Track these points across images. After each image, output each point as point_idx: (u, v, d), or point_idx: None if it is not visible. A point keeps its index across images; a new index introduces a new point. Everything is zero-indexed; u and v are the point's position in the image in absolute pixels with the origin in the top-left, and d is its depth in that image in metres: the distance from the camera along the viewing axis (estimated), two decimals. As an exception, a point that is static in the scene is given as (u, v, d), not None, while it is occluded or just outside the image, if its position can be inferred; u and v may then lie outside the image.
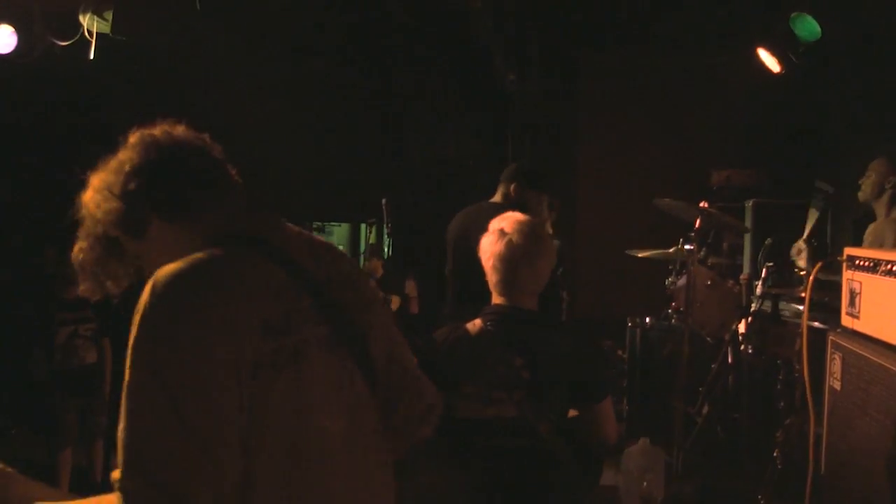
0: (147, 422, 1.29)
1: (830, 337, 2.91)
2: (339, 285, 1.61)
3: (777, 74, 5.81)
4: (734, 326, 4.75)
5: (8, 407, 5.80)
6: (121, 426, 1.29)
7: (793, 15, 5.21)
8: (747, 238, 6.53)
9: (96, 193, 1.58)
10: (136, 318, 1.34)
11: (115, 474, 1.30)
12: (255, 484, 1.35)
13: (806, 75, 6.23)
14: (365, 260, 6.66)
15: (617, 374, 5.59)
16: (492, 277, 2.66)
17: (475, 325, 2.63)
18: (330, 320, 1.53)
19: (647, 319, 5.47)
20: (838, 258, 2.96)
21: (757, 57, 5.86)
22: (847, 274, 2.90)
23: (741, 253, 6.64)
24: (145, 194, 1.54)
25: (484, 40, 6.59)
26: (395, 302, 7.02)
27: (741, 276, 5.04)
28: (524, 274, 2.62)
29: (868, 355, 2.59)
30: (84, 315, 4.97)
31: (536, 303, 2.70)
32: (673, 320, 5.14)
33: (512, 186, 4.28)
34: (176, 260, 1.44)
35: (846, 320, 2.89)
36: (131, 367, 1.31)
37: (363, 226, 8.84)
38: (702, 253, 4.99)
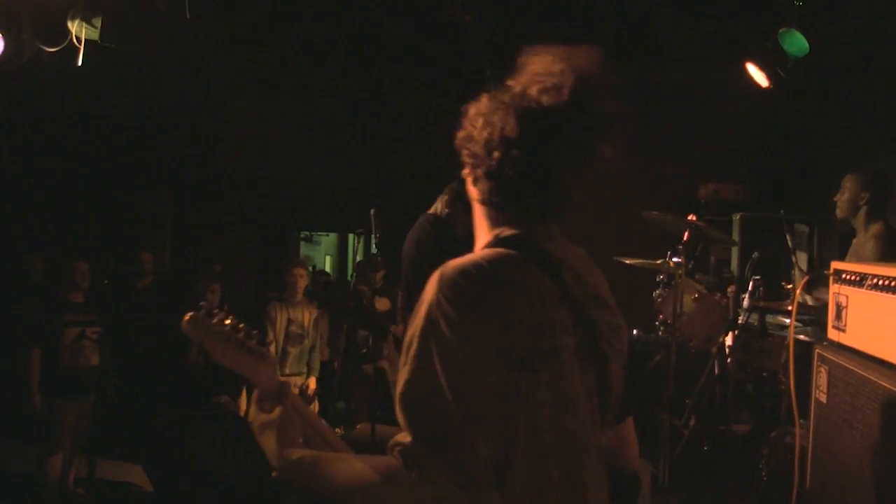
0: (429, 400, 1.44)
1: (817, 350, 2.92)
2: (594, 306, 1.67)
3: (765, 89, 5.85)
4: (721, 339, 4.76)
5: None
6: (404, 397, 1.46)
7: (781, 30, 5.25)
8: (735, 251, 6.57)
9: (473, 125, 1.67)
10: (422, 310, 1.48)
11: (399, 437, 1.49)
12: (513, 467, 1.47)
13: (794, 90, 6.28)
14: (362, 270, 6.63)
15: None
16: None
17: None
18: (580, 334, 1.60)
19: (635, 332, 5.48)
20: (825, 272, 2.98)
21: (745, 72, 5.91)
22: (834, 288, 2.92)
23: (728, 266, 6.67)
24: (483, 158, 1.62)
25: (474, 53, 6.61)
26: (385, 304, 6.99)
27: (728, 290, 5.05)
28: None
29: (854, 368, 2.60)
30: (91, 318, 5.17)
31: None
32: (660, 333, 5.14)
33: (444, 199, 4.44)
34: (479, 237, 1.68)
35: (833, 333, 2.91)
36: (416, 355, 1.46)
37: (351, 236, 8.82)
38: (689, 266, 4.99)
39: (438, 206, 4.46)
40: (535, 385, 1.48)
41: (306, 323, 5.85)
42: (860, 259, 4.38)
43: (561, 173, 1.63)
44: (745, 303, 4.67)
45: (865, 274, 2.68)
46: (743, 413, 4.96)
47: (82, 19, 4.78)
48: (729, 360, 4.67)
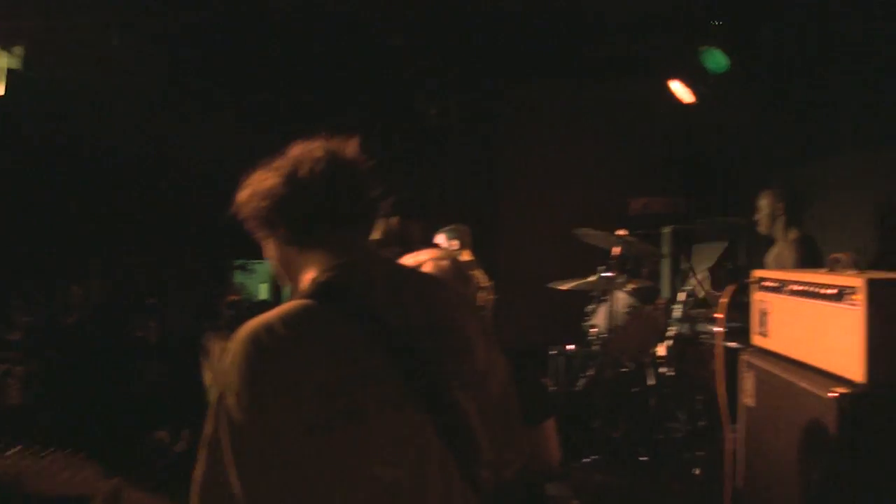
0: (214, 471, 1.42)
1: (742, 356, 3.05)
2: (426, 333, 1.62)
3: (689, 105, 6.06)
4: (654, 350, 4.88)
5: None
6: (195, 473, 1.44)
7: (702, 48, 5.46)
8: (665, 263, 6.73)
9: (250, 190, 1.71)
10: (221, 374, 1.47)
11: None
12: None
13: (717, 106, 6.50)
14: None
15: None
16: None
17: None
18: (403, 374, 1.54)
19: (570, 346, 5.58)
20: (747, 280, 3.12)
21: (669, 88, 6.12)
22: (756, 295, 3.06)
23: (660, 278, 6.83)
24: (280, 199, 1.64)
25: (405, 76, 6.69)
26: None
27: (659, 301, 5.20)
28: None
29: (777, 372, 2.73)
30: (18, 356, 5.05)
31: None
32: (594, 346, 5.25)
33: (394, 220, 4.40)
34: (296, 281, 1.67)
35: (757, 339, 3.04)
36: (211, 420, 1.44)
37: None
38: (621, 279, 5.12)
39: (378, 233, 4.41)
40: (336, 446, 1.45)
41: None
42: (782, 265, 4.61)
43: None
44: (677, 313, 4.82)
45: (785, 280, 2.81)
46: (677, 421, 5.09)
47: (3, 48, 4.72)
48: (662, 369, 4.79)
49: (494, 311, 2.87)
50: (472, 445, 1.63)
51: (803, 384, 2.50)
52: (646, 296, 5.44)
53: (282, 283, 1.79)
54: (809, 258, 4.54)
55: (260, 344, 1.46)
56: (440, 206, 7.90)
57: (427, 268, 2.58)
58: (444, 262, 2.58)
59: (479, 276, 2.79)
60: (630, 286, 5.28)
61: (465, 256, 3.45)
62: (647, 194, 7.46)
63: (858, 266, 2.61)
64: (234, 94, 6.99)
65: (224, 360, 1.47)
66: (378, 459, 1.48)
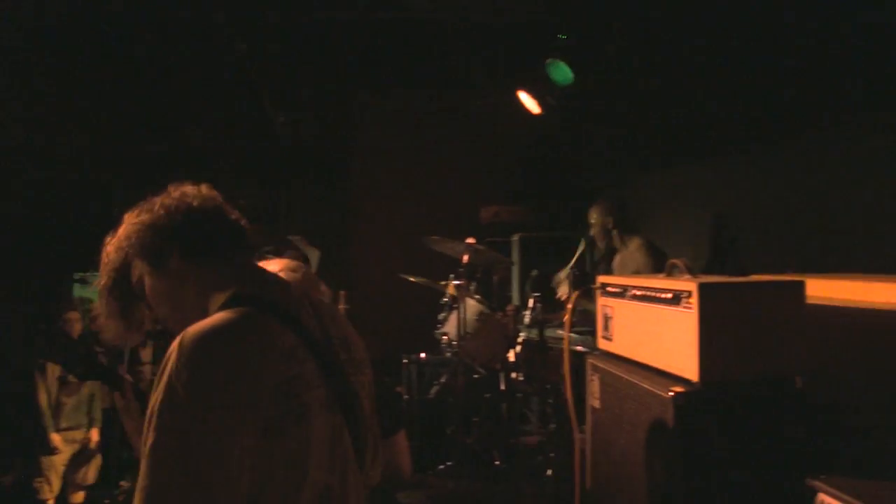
0: (164, 480, 1.37)
1: (588, 360, 3.16)
2: (337, 347, 1.73)
3: (537, 115, 6.23)
4: (505, 356, 4.99)
5: None
6: (140, 484, 1.38)
7: (548, 61, 5.62)
8: (515, 270, 6.89)
9: (128, 225, 1.77)
10: (164, 379, 1.42)
11: None
12: None
13: (564, 116, 6.72)
14: None
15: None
16: None
17: None
18: (328, 382, 1.61)
19: (422, 355, 5.62)
20: (592, 286, 3.24)
21: (518, 99, 6.27)
22: (601, 300, 3.18)
23: (510, 285, 6.99)
24: (172, 228, 1.72)
25: (253, 83, 6.57)
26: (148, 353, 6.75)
27: (508, 308, 5.31)
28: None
29: (621, 374, 2.84)
30: None
31: None
32: (447, 354, 5.31)
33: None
34: (186, 309, 1.69)
35: (602, 343, 3.16)
36: (156, 427, 1.39)
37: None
38: (471, 287, 5.21)
39: None
40: (286, 448, 1.48)
41: (83, 370, 5.55)
42: (634, 271, 4.82)
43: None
44: (526, 319, 4.94)
45: (626, 286, 2.94)
46: (530, 425, 5.22)
47: None
48: (514, 374, 4.90)
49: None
50: (369, 452, 1.77)
51: (644, 385, 2.61)
52: (495, 303, 5.56)
53: (160, 315, 1.79)
54: (658, 260, 4.79)
55: (215, 348, 1.47)
56: (290, 216, 7.82)
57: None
58: (296, 274, 2.56)
59: (324, 290, 2.78)
60: (480, 293, 5.37)
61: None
62: (498, 203, 7.62)
63: (692, 271, 2.75)
64: (70, 97, 6.67)
65: (168, 367, 1.44)
66: (315, 464, 1.54)
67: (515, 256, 6.94)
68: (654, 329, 2.68)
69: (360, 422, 1.70)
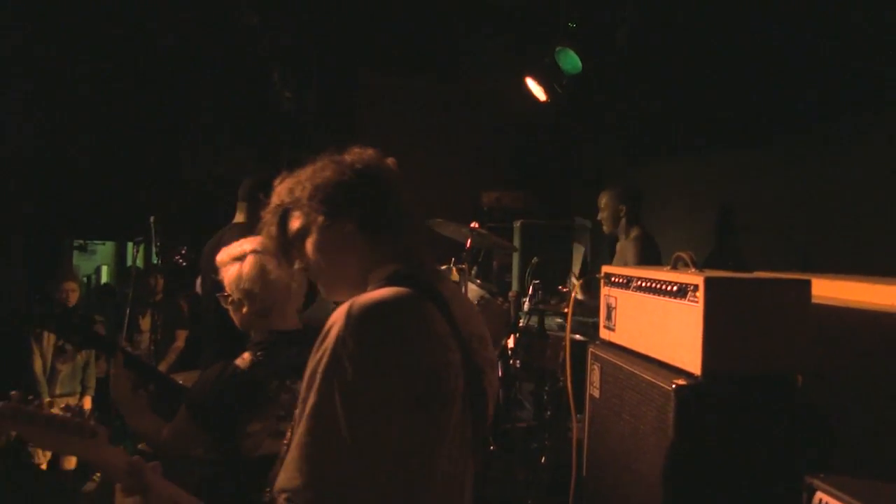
0: (321, 439, 1.45)
1: (590, 349, 3.18)
2: (476, 343, 1.75)
3: (543, 103, 6.24)
4: (504, 342, 5.01)
5: None
6: (298, 440, 1.46)
7: (557, 49, 5.63)
8: (515, 256, 6.92)
9: (311, 175, 1.77)
10: (328, 344, 1.48)
11: (284, 483, 1.46)
12: None
13: (569, 103, 6.73)
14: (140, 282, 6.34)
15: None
16: (250, 306, 2.63)
17: (244, 359, 2.55)
18: (467, 377, 1.64)
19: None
20: (597, 275, 3.26)
21: (525, 86, 6.28)
22: (605, 290, 3.19)
23: (510, 271, 7.01)
24: (357, 194, 1.73)
25: (261, 57, 6.56)
26: (181, 337, 6.77)
27: (509, 294, 5.33)
28: (282, 294, 2.62)
29: (622, 364, 2.86)
30: None
31: (297, 319, 2.70)
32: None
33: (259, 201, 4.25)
34: (344, 275, 1.75)
35: (604, 333, 3.18)
36: (318, 389, 1.47)
37: (130, 244, 8.42)
38: (473, 272, 5.22)
39: (242, 216, 4.22)
40: (432, 429, 1.54)
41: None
42: (625, 261, 4.85)
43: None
44: (526, 306, 4.96)
45: (631, 277, 2.96)
46: (525, 411, 5.25)
47: None
48: (512, 361, 4.93)
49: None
50: (480, 449, 1.79)
51: (646, 376, 2.62)
52: (497, 288, 5.57)
53: (312, 274, 1.81)
54: (648, 255, 4.81)
55: (383, 323, 1.52)
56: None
57: (251, 258, 2.58)
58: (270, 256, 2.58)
59: None
60: (481, 278, 5.39)
61: None
62: (501, 189, 7.63)
63: (698, 265, 2.77)
64: (80, 71, 6.67)
65: (333, 334, 1.49)
66: (446, 451, 1.59)
67: (517, 243, 6.96)
68: (658, 321, 2.69)
69: (482, 420, 1.73)
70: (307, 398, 1.48)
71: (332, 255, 1.76)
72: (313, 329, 2.74)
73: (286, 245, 1.81)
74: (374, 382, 1.46)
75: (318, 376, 1.47)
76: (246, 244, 2.65)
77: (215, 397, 2.50)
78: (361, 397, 1.45)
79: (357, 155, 1.81)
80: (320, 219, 1.74)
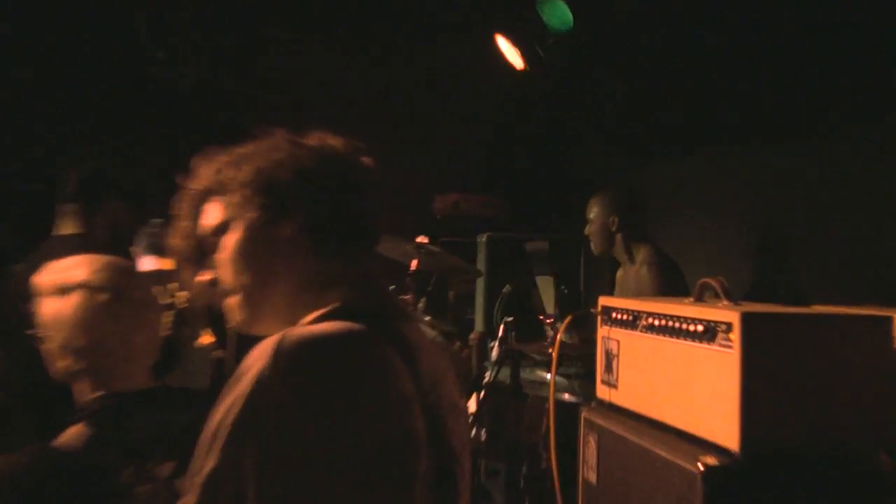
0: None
1: (583, 414, 3.09)
2: (447, 413, 1.71)
3: (520, 72, 6.17)
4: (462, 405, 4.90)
5: None
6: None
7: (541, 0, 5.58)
8: (480, 283, 6.84)
9: (236, 160, 1.76)
10: (245, 389, 1.42)
11: None
12: None
13: (554, 77, 6.69)
14: None
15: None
16: (70, 361, 2.39)
17: (73, 435, 2.27)
18: (434, 456, 1.59)
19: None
20: (591, 310, 3.17)
21: (496, 48, 6.19)
22: (602, 331, 3.11)
23: (472, 304, 6.93)
24: (311, 185, 1.72)
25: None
26: None
27: (471, 336, 5.21)
28: (121, 351, 2.41)
29: (627, 436, 2.78)
30: None
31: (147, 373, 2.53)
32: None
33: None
34: (277, 304, 1.73)
35: (602, 391, 3.10)
36: (224, 450, 1.41)
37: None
38: (420, 304, 5.11)
39: (74, 226, 4.04)
40: (391, 476, 1.48)
41: None
42: (636, 293, 4.76)
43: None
44: (494, 352, 4.85)
45: (639, 312, 2.87)
46: (493, 502, 5.15)
47: None
48: (474, 432, 4.82)
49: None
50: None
51: (661, 453, 2.57)
52: (452, 327, 5.47)
53: (227, 285, 1.78)
54: (672, 288, 4.68)
55: (328, 361, 1.48)
56: (164, 194, 7.69)
57: (80, 296, 2.43)
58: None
59: None
60: (432, 314, 5.28)
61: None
62: (459, 191, 7.57)
63: (732, 296, 2.69)
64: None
65: (252, 376, 1.43)
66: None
67: (482, 264, 6.90)
68: (678, 374, 2.65)
69: (454, 467, 1.70)
70: (202, 465, 1.43)
71: (259, 265, 1.74)
72: (178, 390, 2.61)
73: (198, 250, 1.82)
74: (305, 449, 1.40)
75: (224, 433, 1.42)
76: (79, 270, 2.46)
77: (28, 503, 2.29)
78: (283, 468, 1.38)
79: (321, 140, 1.84)
80: (254, 214, 1.71)
